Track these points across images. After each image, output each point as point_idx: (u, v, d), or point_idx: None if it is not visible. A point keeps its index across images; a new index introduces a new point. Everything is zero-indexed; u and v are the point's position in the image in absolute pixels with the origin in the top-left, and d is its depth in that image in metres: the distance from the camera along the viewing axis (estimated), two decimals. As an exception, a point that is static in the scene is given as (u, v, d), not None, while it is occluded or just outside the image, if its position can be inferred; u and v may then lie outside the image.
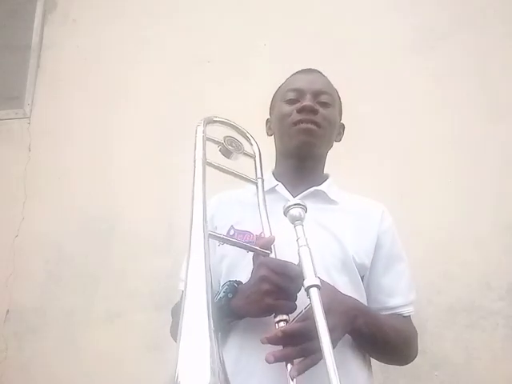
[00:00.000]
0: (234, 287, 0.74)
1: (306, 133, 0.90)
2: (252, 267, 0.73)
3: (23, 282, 1.73)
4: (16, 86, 2.03)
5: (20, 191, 1.85)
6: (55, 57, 2.03)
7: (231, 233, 0.88)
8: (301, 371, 0.61)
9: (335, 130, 0.98)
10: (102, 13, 2.02)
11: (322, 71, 1.02)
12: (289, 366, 0.62)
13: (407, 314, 0.89)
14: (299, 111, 0.90)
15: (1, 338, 1.68)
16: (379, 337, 0.78)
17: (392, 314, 0.87)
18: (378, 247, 0.89)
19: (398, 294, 0.88)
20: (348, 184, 1.02)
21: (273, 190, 0.92)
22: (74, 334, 1.60)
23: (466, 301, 1.30)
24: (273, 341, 0.63)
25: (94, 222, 1.71)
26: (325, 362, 0.53)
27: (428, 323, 1.29)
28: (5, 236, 1.80)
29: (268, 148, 1.01)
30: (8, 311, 1.71)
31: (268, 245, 0.73)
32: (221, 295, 0.73)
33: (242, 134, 0.93)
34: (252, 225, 0.82)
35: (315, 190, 0.92)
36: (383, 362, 0.91)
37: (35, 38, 2.05)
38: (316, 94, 0.92)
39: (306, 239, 0.67)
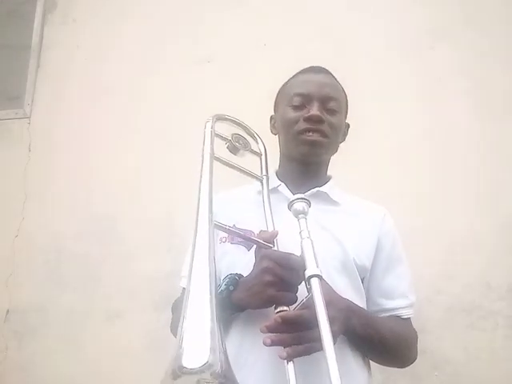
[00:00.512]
0: (236, 280, 0.74)
1: (311, 144, 0.89)
2: (252, 266, 0.74)
3: (23, 281, 1.73)
4: (16, 86, 2.03)
5: (20, 191, 1.85)
6: (55, 57, 2.03)
7: None
8: (292, 356, 0.62)
9: (341, 135, 0.98)
10: (102, 13, 2.02)
11: (327, 69, 0.99)
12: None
13: (406, 316, 0.89)
14: (306, 120, 0.89)
15: (1, 338, 1.68)
16: (376, 338, 0.78)
17: (391, 315, 0.87)
18: (378, 249, 0.89)
19: (398, 297, 0.88)
20: (348, 184, 1.02)
21: (275, 189, 0.93)
22: (74, 334, 1.60)
23: (465, 301, 1.30)
24: (272, 328, 0.64)
25: (94, 221, 1.71)
26: (324, 351, 0.54)
27: (428, 323, 1.29)
28: (5, 236, 1.80)
29: (269, 147, 1.01)
30: (8, 311, 1.71)
31: (271, 239, 0.74)
32: (222, 288, 0.74)
33: (249, 133, 0.95)
34: (254, 224, 0.82)
35: (317, 190, 0.92)
36: (382, 364, 0.91)
37: (35, 38, 2.06)
38: (323, 101, 0.91)
39: (309, 232, 0.68)
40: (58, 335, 1.62)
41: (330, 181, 0.98)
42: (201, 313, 0.49)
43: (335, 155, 1.02)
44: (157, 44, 1.88)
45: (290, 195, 0.91)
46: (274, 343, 0.63)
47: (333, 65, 1.01)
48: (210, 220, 0.63)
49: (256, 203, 0.87)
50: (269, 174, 0.93)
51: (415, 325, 0.92)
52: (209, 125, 0.83)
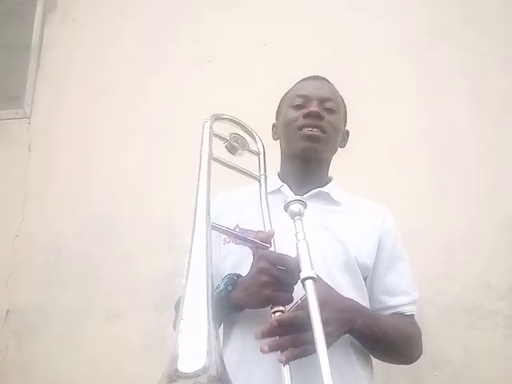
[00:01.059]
0: (234, 280, 0.76)
1: (311, 139, 0.92)
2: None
3: (23, 281, 1.73)
4: (16, 86, 2.03)
5: (20, 191, 1.85)
6: (55, 57, 2.03)
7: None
8: (289, 359, 0.63)
9: (339, 136, 1.00)
10: (102, 13, 2.02)
11: (321, 72, 1.02)
12: (276, 314, 0.67)
13: (409, 313, 0.89)
14: (305, 116, 0.92)
15: (1, 338, 1.68)
16: (381, 337, 0.78)
17: (394, 313, 0.88)
18: (380, 248, 0.90)
19: (400, 294, 0.89)
20: (348, 184, 1.02)
21: (278, 190, 0.94)
22: (74, 334, 1.60)
23: (465, 301, 1.30)
24: (268, 332, 0.65)
25: (94, 221, 1.71)
26: (316, 352, 0.54)
27: (428, 323, 1.29)
28: (5, 236, 1.80)
29: (269, 152, 1.01)
30: (8, 311, 1.71)
31: (268, 239, 0.75)
32: (221, 288, 0.75)
33: (247, 132, 0.95)
34: (257, 224, 0.83)
35: (319, 191, 0.93)
36: (386, 362, 0.92)
37: (35, 38, 2.06)
38: (322, 101, 0.94)
39: (305, 233, 0.69)
40: (58, 335, 1.62)
41: (332, 182, 0.99)
42: (197, 316, 0.49)
43: (336, 156, 1.02)
44: (157, 44, 1.88)
45: (292, 196, 0.91)
46: (271, 349, 0.64)
47: (333, 65, 1.02)
48: (208, 222, 0.63)
49: (258, 204, 0.88)
50: (269, 175, 0.94)
51: (415, 324, 0.92)
52: (207, 125, 0.83)
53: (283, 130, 0.98)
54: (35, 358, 1.62)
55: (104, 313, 1.59)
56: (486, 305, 1.29)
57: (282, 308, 0.68)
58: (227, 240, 0.88)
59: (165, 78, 1.82)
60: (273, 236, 0.76)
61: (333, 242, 0.86)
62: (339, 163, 1.04)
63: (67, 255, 1.71)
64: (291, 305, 0.69)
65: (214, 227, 0.69)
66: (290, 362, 0.63)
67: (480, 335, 1.27)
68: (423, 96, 1.53)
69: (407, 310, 0.89)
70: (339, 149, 1.04)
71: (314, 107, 0.91)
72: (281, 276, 0.69)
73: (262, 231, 0.79)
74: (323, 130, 0.92)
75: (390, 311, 0.88)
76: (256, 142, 0.96)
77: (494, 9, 1.54)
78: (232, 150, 0.87)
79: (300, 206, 0.71)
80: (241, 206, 0.95)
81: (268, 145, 0.98)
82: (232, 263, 0.86)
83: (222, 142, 0.87)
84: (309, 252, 0.66)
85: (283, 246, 0.74)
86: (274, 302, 0.69)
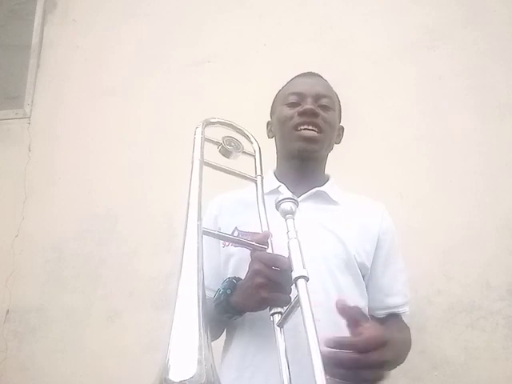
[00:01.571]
0: (233, 283, 0.75)
1: (307, 139, 0.91)
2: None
3: (23, 281, 1.74)
4: (16, 86, 2.03)
5: (20, 191, 1.85)
6: (55, 57, 2.03)
7: (235, 234, 0.88)
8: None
9: (335, 133, 0.99)
10: (102, 13, 2.02)
11: (321, 72, 1.02)
12: (275, 316, 0.66)
13: (403, 312, 0.92)
14: (300, 114, 0.91)
15: (1, 338, 1.68)
16: (395, 358, 0.76)
17: (390, 312, 0.90)
18: (378, 247, 0.91)
19: (397, 293, 0.91)
20: (348, 184, 1.02)
21: (276, 190, 0.93)
22: (74, 334, 1.60)
23: (466, 301, 1.30)
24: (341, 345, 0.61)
25: (93, 221, 1.71)
26: (310, 353, 0.52)
27: (428, 323, 1.29)
28: (5, 236, 1.80)
29: (267, 149, 1.01)
30: (8, 311, 1.71)
31: (264, 240, 0.74)
32: (220, 291, 0.75)
33: (241, 133, 0.94)
34: (257, 226, 0.82)
35: (317, 190, 0.93)
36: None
37: (35, 38, 2.06)
38: (317, 98, 0.93)
39: (296, 232, 0.68)
40: (57, 335, 1.62)
41: (329, 180, 0.98)
42: (188, 323, 0.48)
43: (335, 155, 1.02)
44: (157, 44, 1.88)
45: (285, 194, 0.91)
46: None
47: (332, 65, 1.02)
48: (199, 228, 0.62)
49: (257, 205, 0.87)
50: (266, 174, 0.93)
51: (415, 324, 0.92)
52: (198, 130, 0.82)
53: (278, 128, 0.97)
54: (35, 358, 1.63)
55: (104, 313, 1.59)
56: (486, 305, 1.28)
57: (280, 309, 0.67)
58: (226, 243, 0.88)
59: (165, 78, 1.82)
60: (269, 237, 0.74)
61: (333, 241, 0.86)
62: (339, 163, 1.04)
63: (67, 255, 1.71)
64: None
65: (207, 233, 0.68)
66: (290, 363, 0.62)
67: (480, 335, 1.27)
68: (423, 96, 1.52)
69: (402, 310, 0.91)
70: (339, 149, 1.04)
71: (308, 105, 0.91)
72: (275, 276, 0.68)
73: (258, 233, 0.78)
74: (319, 129, 0.91)
75: (387, 311, 0.90)
76: (251, 142, 0.94)
77: (494, 9, 1.54)
78: (226, 153, 0.86)
79: (292, 204, 0.70)
80: (239, 207, 0.94)
81: (264, 144, 0.97)
82: (233, 266, 0.86)
83: (217, 146, 0.86)
84: (301, 251, 0.65)
85: (281, 246, 0.73)
86: (271, 304, 0.68)
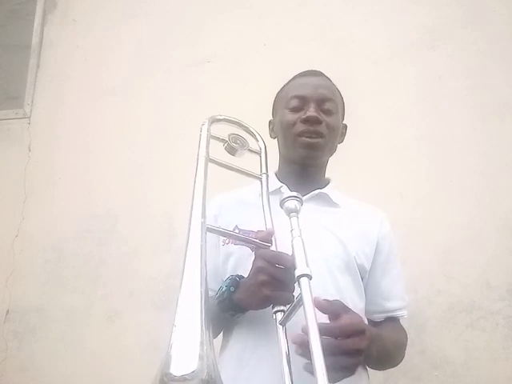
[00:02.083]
0: (236, 281, 0.75)
1: (309, 146, 0.90)
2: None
3: (23, 281, 1.74)
4: (16, 86, 2.03)
5: (20, 191, 1.85)
6: (55, 57, 2.03)
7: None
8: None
9: (338, 136, 0.99)
10: (102, 13, 2.02)
11: (323, 72, 1.01)
12: (278, 314, 0.66)
13: (401, 316, 0.92)
14: (303, 122, 0.90)
15: (1, 338, 1.68)
16: (383, 356, 0.78)
17: (388, 316, 0.91)
18: (377, 252, 0.91)
19: (395, 298, 0.92)
20: (348, 184, 1.02)
21: (278, 190, 0.93)
22: (74, 334, 1.60)
23: (466, 301, 1.30)
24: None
25: (93, 221, 1.71)
26: (311, 354, 0.52)
27: (428, 323, 1.29)
28: (5, 236, 1.80)
29: (267, 149, 1.01)
30: (8, 311, 1.71)
31: (268, 237, 0.74)
32: (223, 289, 0.74)
33: (247, 131, 0.94)
34: (257, 225, 0.82)
35: (319, 192, 0.93)
36: (376, 370, 0.92)
37: (35, 38, 2.06)
38: (320, 102, 0.92)
39: (300, 230, 0.67)
40: (57, 335, 1.62)
41: (330, 183, 0.99)
42: (190, 319, 0.48)
43: (335, 155, 1.02)
44: (157, 44, 1.88)
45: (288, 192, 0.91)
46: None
47: (332, 65, 1.01)
48: (203, 225, 0.62)
49: (257, 204, 0.87)
50: (269, 173, 0.92)
51: (415, 324, 0.92)
52: (204, 127, 0.82)
53: (281, 133, 0.96)
54: (35, 358, 1.63)
55: (104, 313, 1.59)
56: (486, 305, 1.28)
57: (282, 308, 0.67)
58: (226, 241, 0.88)
59: (165, 78, 1.82)
60: (273, 234, 0.74)
61: (333, 242, 0.86)
62: (339, 163, 1.04)
63: (67, 255, 1.71)
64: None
65: (211, 230, 0.67)
66: (290, 363, 0.62)
67: (480, 335, 1.27)
68: (423, 96, 1.52)
69: (401, 313, 0.92)
70: (339, 149, 1.03)
71: (311, 112, 0.89)
72: (278, 274, 0.67)
73: (262, 231, 0.78)
74: (322, 136, 0.90)
75: (385, 314, 0.91)
76: (257, 140, 0.94)
77: (494, 9, 1.54)
78: (231, 150, 0.86)
79: (296, 202, 0.69)
80: (239, 206, 0.94)
81: (267, 143, 0.97)
82: (233, 264, 0.86)
83: (222, 143, 0.86)
84: (304, 249, 0.64)
85: (285, 244, 0.73)
86: (274, 302, 0.68)
